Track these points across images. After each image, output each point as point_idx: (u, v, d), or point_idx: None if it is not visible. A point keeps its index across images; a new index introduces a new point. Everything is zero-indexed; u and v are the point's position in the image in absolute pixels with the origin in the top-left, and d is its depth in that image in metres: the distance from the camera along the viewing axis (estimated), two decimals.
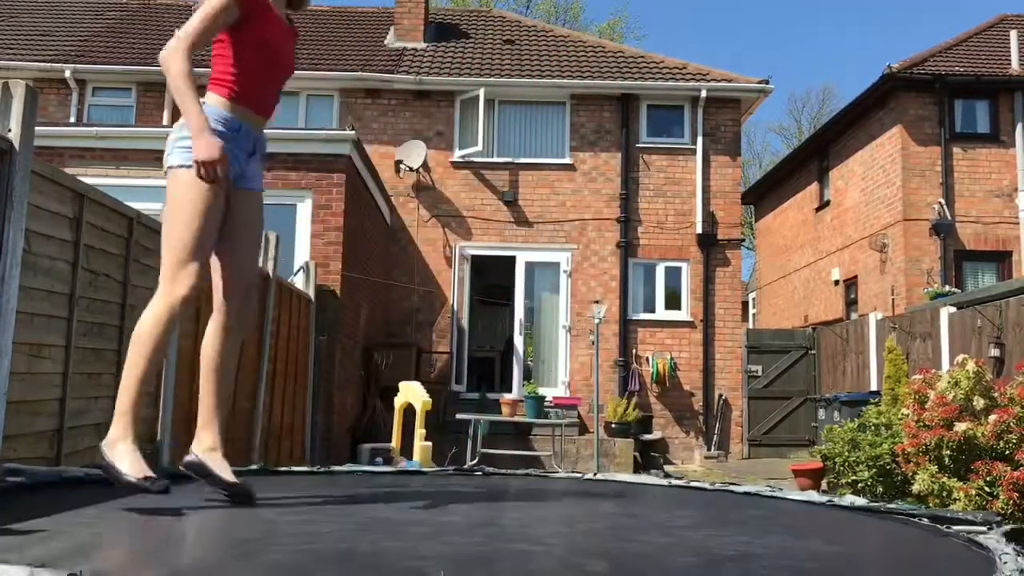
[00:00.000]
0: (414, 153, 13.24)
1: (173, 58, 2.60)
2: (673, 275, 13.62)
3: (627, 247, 13.48)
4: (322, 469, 3.77)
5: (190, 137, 2.55)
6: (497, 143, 13.74)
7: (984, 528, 2.47)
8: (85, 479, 2.85)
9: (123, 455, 2.42)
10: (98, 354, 4.30)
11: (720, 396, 13.36)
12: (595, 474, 3.90)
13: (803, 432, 13.27)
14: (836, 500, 3.06)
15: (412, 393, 8.96)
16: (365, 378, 11.46)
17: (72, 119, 13.23)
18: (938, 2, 56.87)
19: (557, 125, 13.88)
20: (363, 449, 9.33)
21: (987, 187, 13.84)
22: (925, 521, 2.66)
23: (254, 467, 4.11)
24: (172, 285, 2.54)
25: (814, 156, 17.92)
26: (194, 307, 5.66)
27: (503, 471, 3.98)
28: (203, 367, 2.74)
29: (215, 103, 2.69)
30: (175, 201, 2.58)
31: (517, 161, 13.62)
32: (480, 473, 3.81)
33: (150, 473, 2.43)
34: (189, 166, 2.54)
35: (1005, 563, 2.00)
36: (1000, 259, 13.84)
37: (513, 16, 18.76)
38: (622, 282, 13.38)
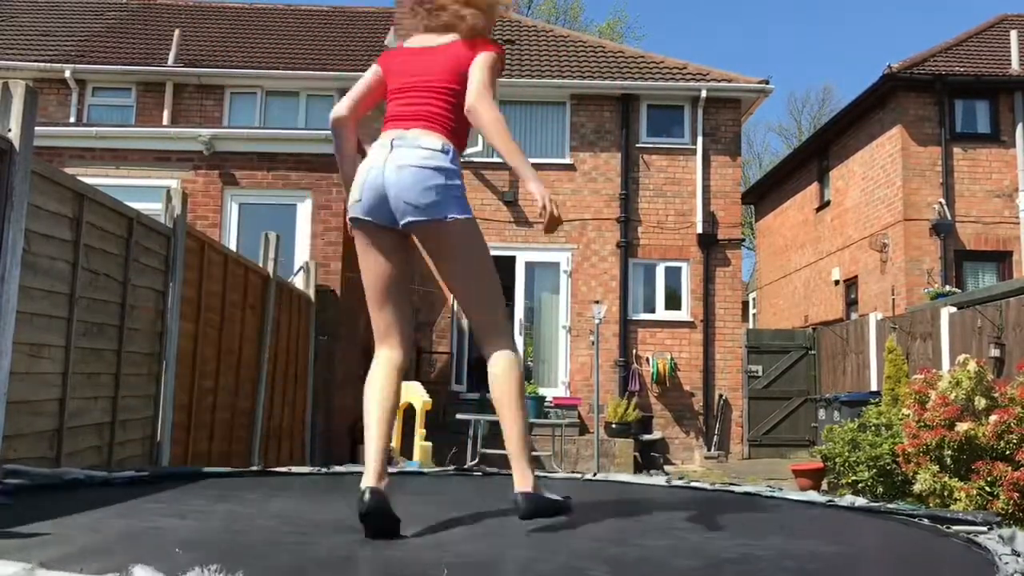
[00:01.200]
0: None
1: (491, 107, 2.54)
2: (673, 275, 13.62)
3: (627, 247, 13.47)
4: (322, 470, 3.77)
5: (459, 186, 2.54)
6: None
7: (984, 528, 2.47)
8: (86, 481, 2.84)
9: (542, 489, 2.47)
10: (98, 354, 4.30)
11: (720, 396, 13.35)
12: (594, 474, 3.90)
13: (803, 432, 13.26)
14: (836, 500, 3.06)
15: (412, 393, 8.97)
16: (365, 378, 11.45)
17: (72, 119, 13.22)
18: (938, 2, 56.89)
19: (557, 125, 13.88)
20: (363, 449, 9.31)
21: (987, 187, 13.83)
22: (925, 521, 2.66)
23: (254, 468, 4.11)
24: (511, 339, 2.64)
25: (814, 156, 17.91)
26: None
27: (503, 471, 3.98)
28: (381, 408, 2.58)
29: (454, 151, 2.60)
30: (480, 253, 2.60)
31: None
32: (480, 473, 3.81)
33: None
34: (470, 217, 2.56)
35: (1005, 563, 1.99)
36: (1000, 259, 13.84)
37: (513, 16, 18.74)
38: (622, 282, 13.38)
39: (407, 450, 9.24)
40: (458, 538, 2.25)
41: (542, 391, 12.05)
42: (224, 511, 2.52)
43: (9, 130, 3.34)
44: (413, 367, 12.15)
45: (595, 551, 2.19)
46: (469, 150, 13.35)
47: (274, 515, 2.49)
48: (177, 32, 14.03)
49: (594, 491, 3.38)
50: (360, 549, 1.96)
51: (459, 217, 2.50)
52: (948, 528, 2.52)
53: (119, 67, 13.62)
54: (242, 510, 2.59)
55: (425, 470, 4.05)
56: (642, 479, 3.72)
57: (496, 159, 13.61)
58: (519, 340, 13.36)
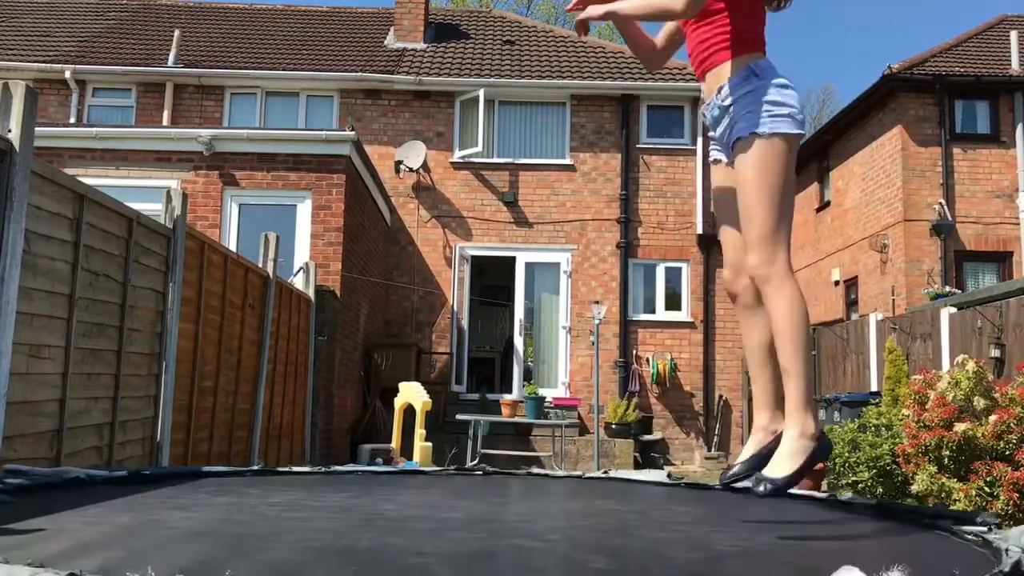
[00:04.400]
0: (414, 153, 13.24)
1: None
2: (673, 275, 13.62)
3: (627, 247, 13.48)
4: (322, 469, 3.77)
5: (782, 103, 2.36)
6: (497, 144, 13.74)
7: (985, 528, 2.47)
8: (86, 480, 2.85)
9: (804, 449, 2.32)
10: (98, 354, 4.30)
11: (720, 397, 13.35)
12: (606, 472, 3.89)
13: None
14: (837, 496, 3.06)
15: (412, 394, 8.97)
16: (365, 378, 11.46)
17: (72, 119, 13.23)
18: (938, 2, 56.91)
19: (557, 126, 13.88)
20: (363, 449, 9.33)
21: (987, 187, 13.83)
22: (926, 520, 2.66)
23: (254, 467, 4.11)
24: (787, 268, 2.49)
25: (814, 156, 17.91)
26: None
27: (503, 471, 3.98)
28: (761, 357, 2.52)
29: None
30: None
31: (517, 162, 13.62)
32: (481, 473, 3.81)
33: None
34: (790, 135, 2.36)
35: (1006, 564, 2.00)
36: (1001, 260, 13.84)
37: (513, 16, 18.76)
38: (622, 283, 13.38)
39: (407, 450, 9.23)
40: (458, 529, 2.25)
41: (542, 391, 12.05)
42: (225, 508, 2.52)
43: (9, 131, 3.35)
44: (413, 367, 12.15)
45: (596, 542, 2.19)
46: (469, 150, 13.39)
47: (275, 512, 2.49)
48: (177, 32, 14.04)
49: (595, 487, 3.39)
50: (361, 545, 1.96)
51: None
52: (949, 527, 2.52)
53: (119, 67, 13.63)
54: (243, 503, 2.60)
55: (425, 470, 4.05)
56: (642, 475, 3.72)
57: (496, 160, 13.62)
58: (519, 340, 13.37)
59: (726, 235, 2.62)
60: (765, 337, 2.57)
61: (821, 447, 2.38)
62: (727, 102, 2.43)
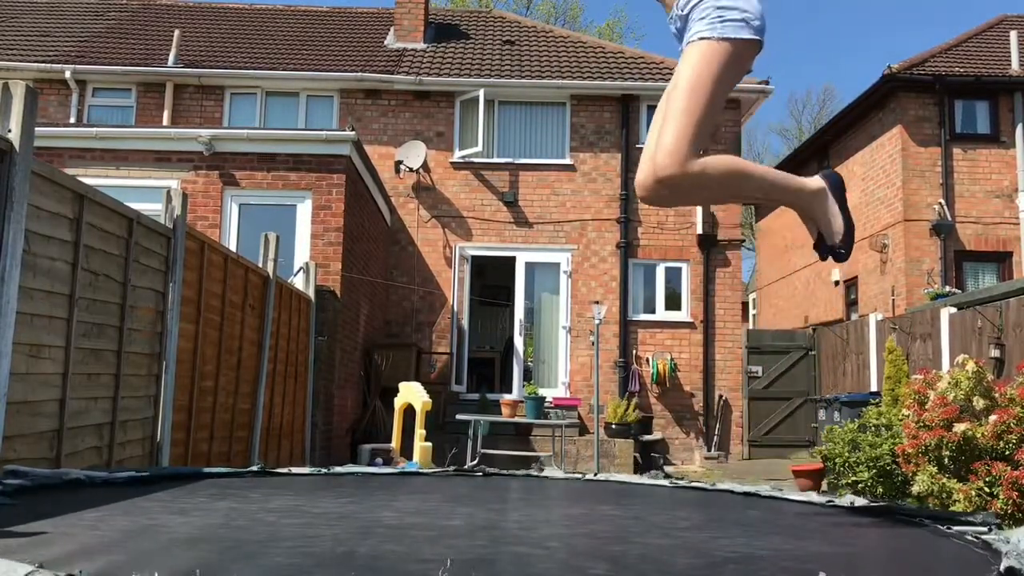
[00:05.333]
0: (414, 153, 13.24)
1: None
2: (673, 276, 13.62)
3: (627, 247, 13.47)
4: (322, 470, 3.77)
5: (735, 7, 2.26)
6: (497, 144, 13.74)
7: (984, 528, 2.47)
8: (86, 481, 2.84)
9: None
10: (98, 355, 4.30)
11: (720, 397, 13.35)
12: (595, 474, 3.89)
13: (803, 433, 13.26)
14: (835, 500, 3.06)
15: (412, 394, 8.97)
16: (365, 378, 11.46)
17: (72, 119, 13.23)
18: (938, 2, 56.90)
19: (557, 126, 13.88)
20: (363, 449, 9.33)
21: (987, 187, 13.84)
22: (925, 521, 2.66)
23: (254, 468, 4.10)
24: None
25: (814, 157, 17.92)
26: None
27: (504, 471, 3.98)
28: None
29: None
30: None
31: (517, 162, 13.62)
32: (481, 474, 3.81)
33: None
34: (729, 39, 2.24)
35: (1005, 564, 1.99)
36: (1000, 260, 13.84)
37: (513, 17, 18.76)
38: (622, 283, 13.38)
39: (407, 450, 9.24)
40: (458, 535, 2.25)
41: (542, 391, 12.04)
42: (225, 511, 2.52)
43: (9, 131, 3.35)
44: (413, 367, 12.16)
45: (595, 549, 2.19)
46: (469, 150, 13.39)
47: (275, 516, 2.49)
48: (177, 32, 14.04)
49: (595, 490, 3.38)
50: (360, 551, 1.96)
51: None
52: (948, 528, 2.52)
53: (119, 67, 13.63)
54: (243, 507, 2.60)
55: (425, 471, 4.05)
56: (642, 479, 3.72)
57: (496, 160, 13.61)
58: (519, 340, 13.36)
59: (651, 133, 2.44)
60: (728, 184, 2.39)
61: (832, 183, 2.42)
62: (685, 10, 2.35)
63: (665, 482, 3.59)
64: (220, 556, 1.83)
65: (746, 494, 3.33)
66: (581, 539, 2.37)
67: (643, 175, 2.26)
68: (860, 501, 3.04)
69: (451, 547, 2.05)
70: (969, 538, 2.34)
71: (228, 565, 1.71)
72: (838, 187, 2.41)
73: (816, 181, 2.39)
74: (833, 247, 2.43)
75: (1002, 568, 1.84)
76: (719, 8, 2.27)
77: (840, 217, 2.38)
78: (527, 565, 1.89)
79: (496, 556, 1.98)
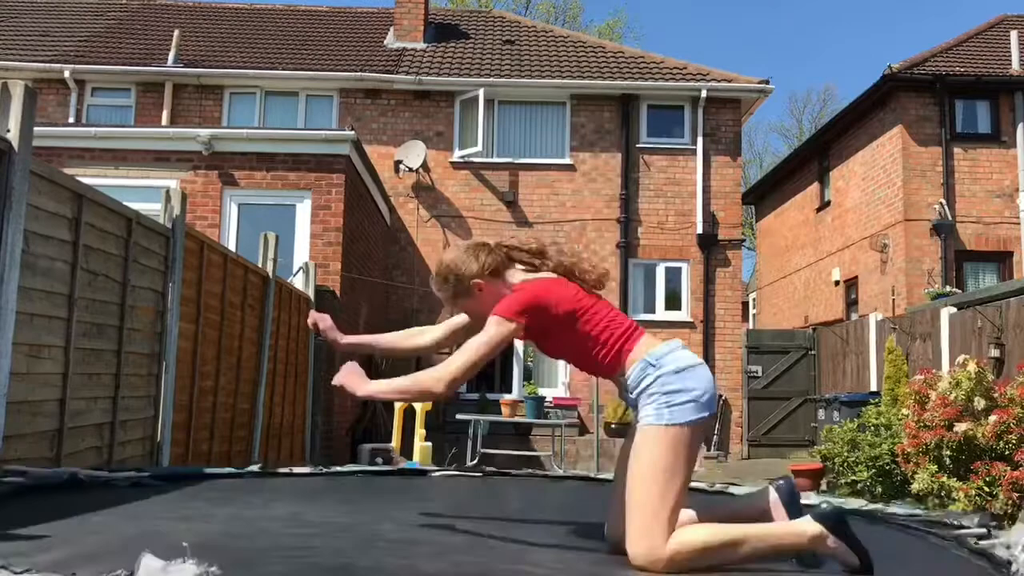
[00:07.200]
0: (414, 153, 13.23)
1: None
2: (673, 275, 13.61)
3: (627, 247, 13.47)
4: (322, 470, 3.77)
5: (682, 389, 2.31)
6: (497, 143, 13.73)
7: (983, 531, 2.47)
8: (87, 481, 2.84)
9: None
10: (98, 355, 4.30)
11: (720, 397, 13.34)
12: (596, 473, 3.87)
13: (803, 432, 13.25)
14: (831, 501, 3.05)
15: None
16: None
17: (71, 119, 13.22)
18: (938, 2, 56.88)
19: (557, 125, 13.87)
20: (363, 449, 9.33)
21: (988, 187, 13.83)
22: (922, 525, 2.66)
23: (254, 468, 4.10)
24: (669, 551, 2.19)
25: (815, 156, 17.91)
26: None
27: (503, 471, 3.98)
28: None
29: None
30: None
31: (517, 161, 13.61)
32: (481, 474, 3.81)
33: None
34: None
35: (1004, 564, 1.99)
36: (1001, 259, 13.83)
37: (513, 16, 18.75)
38: (622, 283, 13.36)
39: (407, 450, 9.24)
40: (458, 549, 2.24)
41: (542, 391, 12.04)
42: (225, 518, 2.51)
43: (8, 130, 3.34)
44: (413, 367, 12.13)
45: (593, 573, 2.19)
46: (469, 150, 13.38)
47: (274, 519, 2.48)
48: (177, 32, 14.02)
49: (596, 492, 3.38)
50: (359, 563, 1.95)
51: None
52: (946, 532, 2.52)
53: (118, 67, 13.62)
54: (244, 513, 2.59)
55: (425, 468, 4.05)
56: None
57: (496, 159, 13.61)
58: (519, 340, 13.35)
59: (615, 496, 2.44)
60: None
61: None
62: (634, 394, 2.38)
63: None
64: (221, 564, 1.83)
65: (746, 495, 3.31)
66: (580, 540, 2.37)
67: (632, 558, 2.22)
68: (855, 503, 3.04)
69: (450, 560, 2.04)
70: (968, 540, 2.34)
71: (229, 573, 1.70)
72: (837, 524, 2.21)
73: (812, 527, 2.21)
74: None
75: (1003, 563, 1.84)
76: (666, 394, 2.30)
77: (851, 554, 2.18)
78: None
79: (494, 570, 1.97)
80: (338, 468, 3.81)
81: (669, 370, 2.32)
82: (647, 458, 2.25)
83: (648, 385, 2.32)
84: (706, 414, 2.31)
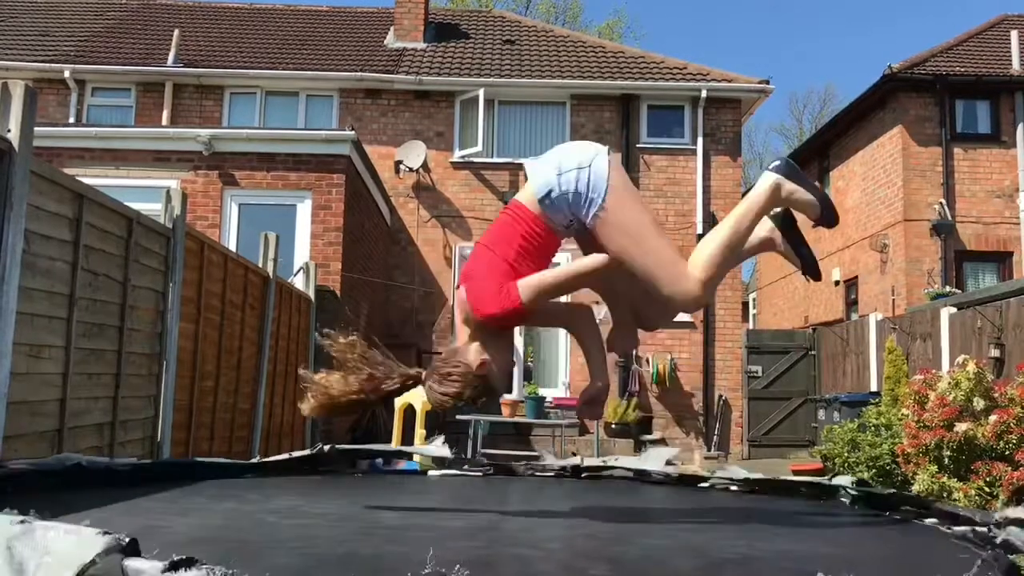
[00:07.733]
0: (414, 153, 13.24)
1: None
2: None
3: None
4: (322, 469, 3.77)
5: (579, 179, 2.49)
6: (497, 143, 13.73)
7: (985, 528, 2.47)
8: (87, 466, 2.84)
9: None
10: (98, 355, 4.30)
11: (720, 397, 13.35)
12: (617, 458, 3.82)
13: (803, 433, 13.26)
14: (831, 479, 3.05)
15: (412, 393, 8.95)
16: None
17: (71, 119, 13.22)
18: (938, 2, 56.90)
19: (557, 125, 13.87)
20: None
21: (988, 187, 13.84)
22: (926, 522, 2.66)
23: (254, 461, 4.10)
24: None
25: (815, 156, 17.92)
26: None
27: (504, 462, 3.99)
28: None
29: None
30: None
31: (517, 161, 13.60)
32: (481, 474, 3.81)
33: None
34: None
35: (1004, 564, 1.99)
36: (1001, 260, 13.84)
37: (513, 16, 18.76)
38: None
39: None
40: (458, 535, 2.25)
41: (542, 391, 12.04)
42: (225, 511, 2.52)
43: (8, 130, 3.34)
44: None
45: (596, 550, 2.19)
46: (469, 150, 13.39)
47: (275, 516, 2.49)
48: (177, 32, 14.03)
49: (594, 490, 3.38)
50: (361, 551, 1.96)
51: None
52: (949, 528, 2.52)
53: (119, 67, 13.62)
54: (243, 507, 2.60)
55: (425, 470, 4.05)
56: (647, 459, 3.70)
57: (496, 159, 13.61)
58: (519, 339, 13.36)
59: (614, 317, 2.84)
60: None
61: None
62: (569, 211, 2.51)
63: (669, 469, 3.59)
64: (221, 556, 1.83)
65: (742, 492, 3.32)
66: (581, 539, 2.37)
67: (682, 305, 2.53)
68: (846, 479, 3.05)
69: (451, 548, 2.05)
70: (970, 538, 2.34)
71: (229, 565, 1.71)
72: (790, 171, 2.56)
73: (771, 176, 2.54)
74: (818, 220, 2.59)
75: (999, 543, 1.84)
76: (577, 189, 2.44)
77: (809, 194, 2.54)
78: (528, 566, 1.89)
79: (497, 558, 1.98)
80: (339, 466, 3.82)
81: (571, 178, 2.46)
82: (625, 227, 2.44)
83: (569, 195, 2.46)
84: (610, 156, 2.49)
